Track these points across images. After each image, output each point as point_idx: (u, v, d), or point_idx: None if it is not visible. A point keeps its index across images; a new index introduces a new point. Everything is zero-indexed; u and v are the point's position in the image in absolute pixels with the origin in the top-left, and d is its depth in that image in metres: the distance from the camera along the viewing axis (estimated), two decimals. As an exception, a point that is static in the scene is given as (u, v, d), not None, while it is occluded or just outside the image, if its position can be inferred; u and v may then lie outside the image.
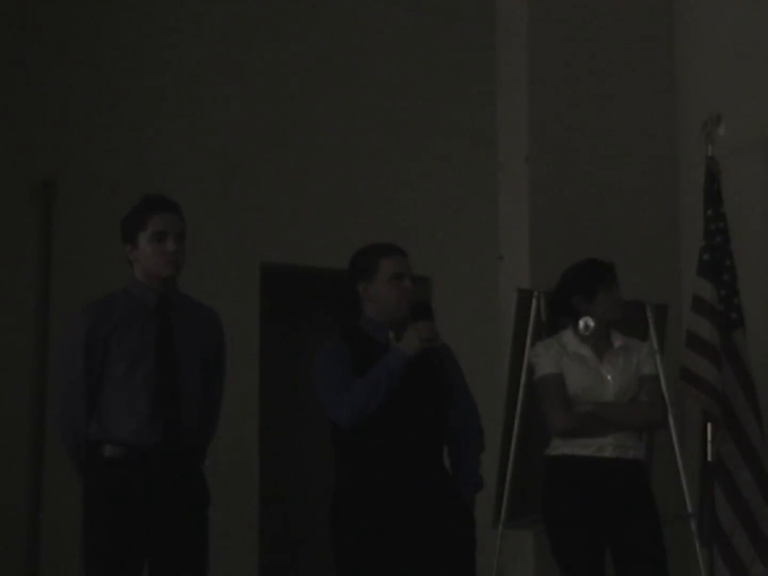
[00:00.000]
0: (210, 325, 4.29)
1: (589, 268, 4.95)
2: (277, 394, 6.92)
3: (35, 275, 6.03)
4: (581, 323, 4.90)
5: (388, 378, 4.08)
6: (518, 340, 5.87)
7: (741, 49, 6.65)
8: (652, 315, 6.06)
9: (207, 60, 6.54)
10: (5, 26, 6.09)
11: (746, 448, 5.85)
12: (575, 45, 6.76)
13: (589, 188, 6.66)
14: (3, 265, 5.94)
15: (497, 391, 6.16)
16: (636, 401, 4.87)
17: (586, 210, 6.63)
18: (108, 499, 4.00)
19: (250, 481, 6.40)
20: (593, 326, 4.89)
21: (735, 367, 5.93)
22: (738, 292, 6.00)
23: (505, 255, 6.67)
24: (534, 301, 5.89)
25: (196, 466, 4.17)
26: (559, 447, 4.83)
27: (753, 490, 5.83)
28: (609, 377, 4.84)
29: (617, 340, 4.93)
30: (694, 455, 6.05)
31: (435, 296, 6.72)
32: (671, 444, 5.95)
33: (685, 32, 6.99)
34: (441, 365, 4.20)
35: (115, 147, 6.25)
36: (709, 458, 5.87)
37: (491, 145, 7.00)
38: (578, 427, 4.79)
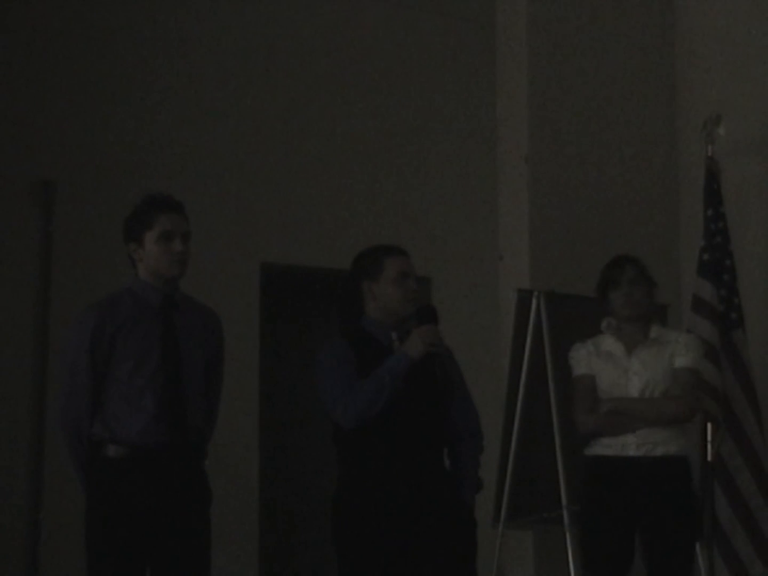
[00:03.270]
0: (211, 326, 4.29)
1: (604, 267, 4.92)
2: (277, 394, 6.92)
3: (35, 275, 6.01)
4: (603, 323, 4.90)
5: (391, 380, 4.09)
6: (518, 340, 5.88)
7: (741, 49, 6.66)
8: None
9: (207, 60, 6.54)
10: (5, 26, 6.08)
11: (746, 448, 5.87)
12: (575, 45, 6.77)
13: (589, 188, 6.67)
14: (3, 265, 5.93)
15: (497, 391, 6.17)
16: (662, 396, 4.78)
17: (586, 210, 6.64)
18: (111, 500, 3.99)
19: (250, 481, 6.39)
20: (614, 324, 4.87)
21: (735, 367, 5.94)
22: (738, 292, 6.01)
23: (505, 255, 6.68)
24: (534, 301, 5.90)
25: (198, 466, 4.17)
26: (591, 447, 4.83)
27: (753, 490, 5.84)
28: (633, 372, 4.79)
29: (654, 333, 4.85)
30: (694, 455, 6.05)
31: (435, 296, 6.70)
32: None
33: (685, 33, 7.00)
34: (442, 368, 4.20)
35: (115, 147, 6.24)
36: (709, 458, 5.87)
37: (491, 145, 7.00)
38: (599, 428, 4.76)
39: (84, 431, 4.07)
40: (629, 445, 4.74)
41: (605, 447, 4.77)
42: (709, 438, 5.88)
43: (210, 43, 6.57)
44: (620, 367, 4.81)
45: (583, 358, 4.87)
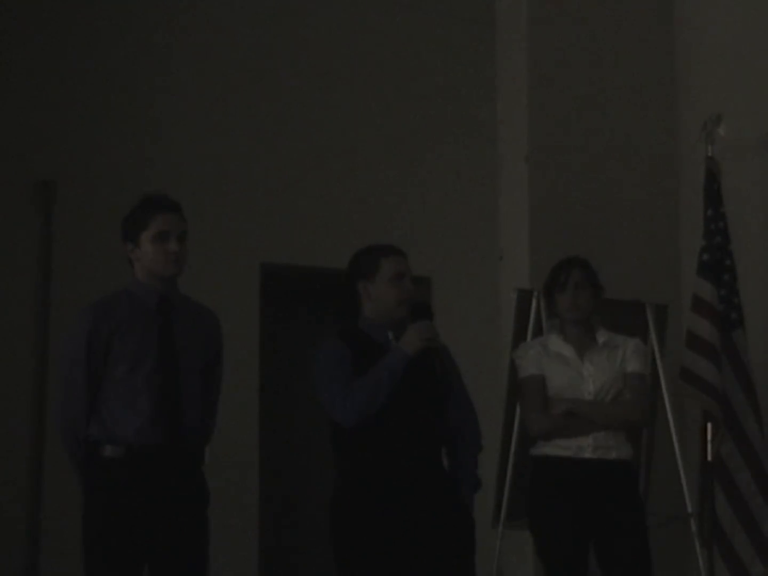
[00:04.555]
0: (210, 326, 4.28)
1: (552, 269, 4.93)
2: (277, 395, 6.92)
3: (35, 275, 6.02)
4: (549, 324, 4.96)
5: (389, 377, 4.09)
6: (518, 340, 5.87)
7: (741, 49, 6.66)
8: (652, 315, 6.07)
9: (207, 60, 6.54)
10: (4, 26, 6.09)
11: (746, 448, 5.86)
12: (575, 45, 6.77)
13: (589, 188, 6.67)
14: (3, 265, 5.94)
15: (497, 391, 6.16)
16: (617, 400, 4.78)
17: (586, 210, 6.64)
18: (108, 500, 4.00)
19: (250, 481, 6.40)
20: (558, 325, 4.90)
21: (735, 367, 5.94)
22: (738, 292, 6.01)
23: (505, 255, 6.68)
24: (534, 301, 5.90)
25: (196, 467, 4.17)
26: (541, 447, 4.80)
27: (753, 490, 5.84)
28: (588, 375, 4.79)
29: (602, 337, 4.86)
30: (694, 455, 6.06)
31: (435, 296, 6.71)
32: (671, 444, 5.95)
33: (685, 32, 7.00)
34: (440, 365, 4.20)
35: (115, 147, 6.24)
36: (709, 458, 5.87)
37: (491, 145, 7.00)
38: (555, 429, 4.75)
39: (81, 431, 4.07)
40: (585, 447, 4.72)
41: (560, 448, 4.75)
42: (709, 438, 5.88)
43: (210, 44, 6.57)
44: (573, 370, 4.80)
45: (532, 359, 4.85)
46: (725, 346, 5.93)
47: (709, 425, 5.87)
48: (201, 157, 6.42)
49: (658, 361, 5.93)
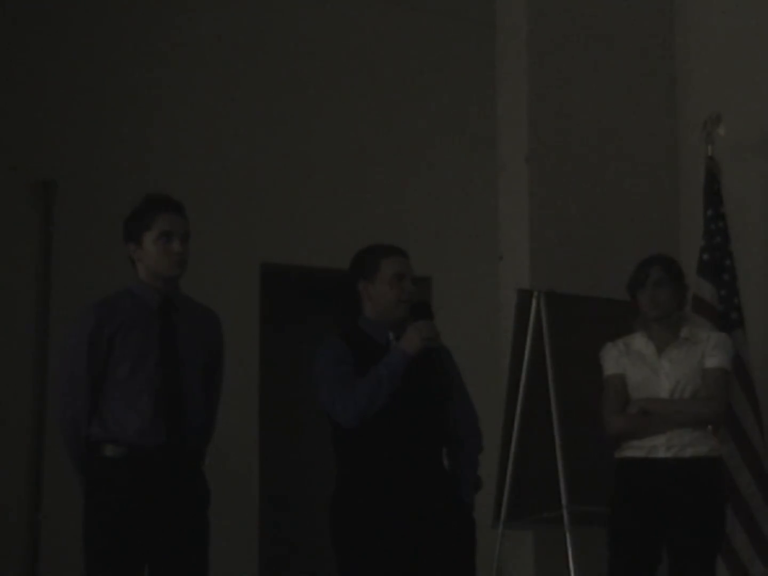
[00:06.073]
0: (211, 327, 4.29)
1: (635, 267, 4.90)
2: (277, 395, 6.92)
3: (35, 275, 6.03)
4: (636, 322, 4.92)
5: (389, 377, 4.09)
6: (518, 340, 5.87)
7: (741, 49, 6.65)
8: (652, 315, 6.06)
9: (207, 60, 6.55)
10: (4, 26, 6.09)
11: (746, 448, 5.85)
12: (575, 45, 6.76)
13: (589, 188, 6.66)
14: (3, 265, 5.94)
15: (497, 391, 6.17)
16: (692, 396, 4.73)
17: (586, 210, 6.63)
18: (109, 500, 4.00)
19: (250, 481, 6.40)
20: (643, 323, 4.85)
21: (735, 367, 5.93)
22: (738, 292, 6.00)
23: (505, 255, 6.67)
24: (534, 301, 5.89)
25: (197, 467, 4.17)
26: (621, 450, 4.78)
27: (753, 490, 5.83)
28: (663, 373, 4.75)
29: (685, 333, 4.82)
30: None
31: (435, 296, 6.71)
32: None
33: (685, 32, 6.99)
34: (441, 365, 4.20)
35: (115, 147, 6.25)
36: (709, 458, 5.86)
37: (491, 145, 7.00)
38: (629, 428, 4.72)
39: (82, 431, 4.07)
40: (658, 446, 4.68)
41: (634, 449, 4.71)
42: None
43: (210, 45, 6.58)
44: (650, 367, 4.76)
45: (613, 358, 4.82)
46: (725, 346, 5.92)
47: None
48: (201, 157, 6.43)
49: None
